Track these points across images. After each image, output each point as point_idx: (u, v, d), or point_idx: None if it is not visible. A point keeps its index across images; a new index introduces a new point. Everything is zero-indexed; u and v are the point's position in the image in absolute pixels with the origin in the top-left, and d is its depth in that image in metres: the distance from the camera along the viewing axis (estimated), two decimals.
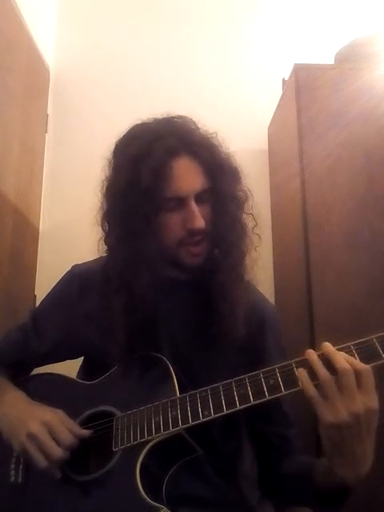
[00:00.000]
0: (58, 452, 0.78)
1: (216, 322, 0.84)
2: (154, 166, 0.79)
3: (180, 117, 0.89)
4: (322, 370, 0.65)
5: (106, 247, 0.89)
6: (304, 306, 1.43)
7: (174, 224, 0.83)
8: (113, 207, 0.86)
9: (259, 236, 0.91)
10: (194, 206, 0.82)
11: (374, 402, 0.64)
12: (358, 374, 0.64)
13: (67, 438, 0.79)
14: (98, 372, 0.90)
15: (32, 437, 0.79)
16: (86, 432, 0.82)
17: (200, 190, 0.83)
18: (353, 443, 0.64)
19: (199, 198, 0.83)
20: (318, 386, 0.65)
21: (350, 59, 1.66)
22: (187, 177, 0.82)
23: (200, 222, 0.82)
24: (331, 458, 0.68)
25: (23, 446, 0.79)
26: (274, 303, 1.72)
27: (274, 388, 0.69)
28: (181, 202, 0.82)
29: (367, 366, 0.65)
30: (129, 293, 0.83)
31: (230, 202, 0.86)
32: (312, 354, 0.67)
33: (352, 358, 0.66)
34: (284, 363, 0.70)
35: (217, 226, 0.85)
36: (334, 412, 0.63)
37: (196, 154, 0.83)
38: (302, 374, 0.66)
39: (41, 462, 0.78)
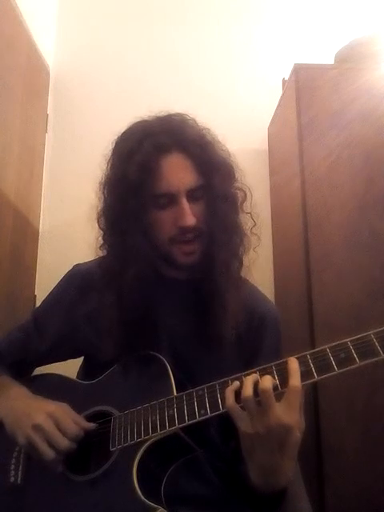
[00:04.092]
0: (64, 442, 0.78)
1: (210, 321, 0.84)
2: (142, 162, 0.79)
3: (178, 114, 0.89)
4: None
5: (102, 243, 0.89)
6: (304, 306, 1.43)
7: (165, 221, 0.83)
8: (106, 203, 0.86)
9: (258, 236, 0.90)
10: (184, 202, 0.81)
11: (290, 419, 0.64)
12: (287, 391, 0.65)
13: (73, 428, 0.79)
14: (98, 372, 0.90)
15: (38, 428, 0.78)
16: (90, 425, 0.82)
17: (191, 187, 0.82)
18: (262, 454, 0.66)
19: (191, 196, 0.83)
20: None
21: (349, 59, 1.66)
22: (177, 173, 0.82)
23: (190, 220, 0.81)
24: (247, 464, 0.70)
25: (29, 438, 0.78)
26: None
27: None
28: (172, 199, 0.82)
29: (297, 384, 0.65)
30: (119, 288, 0.83)
31: (223, 200, 0.85)
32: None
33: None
34: (280, 361, 0.70)
35: (209, 224, 0.84)
36: (248, 423, 0.66)
37: (188, 151, 0.82)
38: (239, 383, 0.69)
39: (47, 452, 0.77)
